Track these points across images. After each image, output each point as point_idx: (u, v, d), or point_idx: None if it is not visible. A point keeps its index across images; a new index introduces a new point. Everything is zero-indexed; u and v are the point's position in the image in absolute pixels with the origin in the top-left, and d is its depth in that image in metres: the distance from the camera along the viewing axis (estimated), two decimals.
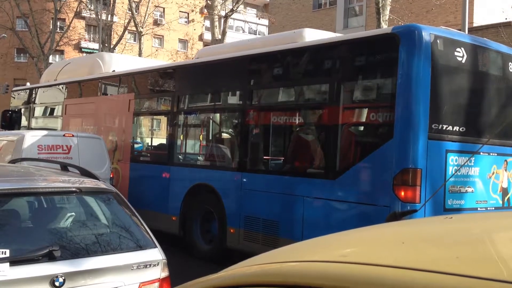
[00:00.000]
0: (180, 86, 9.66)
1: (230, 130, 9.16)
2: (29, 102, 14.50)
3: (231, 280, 1.42)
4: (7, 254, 3.16)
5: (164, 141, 10.09)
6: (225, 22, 19.89)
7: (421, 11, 20.58)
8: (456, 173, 6.07)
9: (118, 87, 11.23)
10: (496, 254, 1.29)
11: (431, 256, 1.29)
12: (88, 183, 4.13)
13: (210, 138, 9.38)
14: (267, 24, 37.70)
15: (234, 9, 20.44)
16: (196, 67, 9.64)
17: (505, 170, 6.80)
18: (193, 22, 42.13)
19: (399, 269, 1.14)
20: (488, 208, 6.58)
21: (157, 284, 3.69)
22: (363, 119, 6.96)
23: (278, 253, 1.61)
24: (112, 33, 30.51)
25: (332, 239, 1.66)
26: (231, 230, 7.90)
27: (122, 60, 12.80)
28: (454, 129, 6.20)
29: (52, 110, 13.77)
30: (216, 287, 1.43)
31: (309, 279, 1.22)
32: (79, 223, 4.17)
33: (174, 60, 33.26)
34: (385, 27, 12.74)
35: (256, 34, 48.41)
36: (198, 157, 9.64)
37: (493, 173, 6.62)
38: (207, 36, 41.51)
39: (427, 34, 6.03)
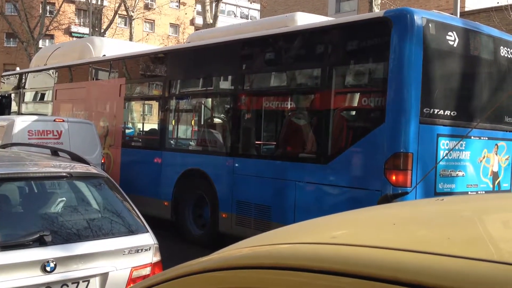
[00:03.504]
0: (172, 71, 9.61)
1: (222, 115, 9.14)
2: (19, 87, 14.38)
3: (222, 263, 1.42)
4: None
5: (155, 126, 10.05)
6: (217, 6, 19.75)
7: None
8: (445, 157, 6.10)
9: (109, 71, 11.15)
10: (486, 235, 1.29)
11: (422, 237, 1.29)
12: (79, 168, 4.11)
13: (202, 123, 9.36)
14: (259, 8, 37.50)
15: None
16: (188, 51, 9.58)
17: (496, 154, 6.84)
18: (184, 5, 41.82)
19: (389, 250, 1.14)
20: (479, 192, 6.63)
21: (149, 268, 3.70)
22: (355, 104, 6.96)
23: (269, 235, 1.61)
24: (103, 18, 30.23)
25: (323, 221, 1.66)
26: (223, 215, 7.92)
27: (113, 45, 12.69)
28: (445, 113, 6.22)
29: (43, 95, 13.66)
30: (207, 269, 1.43)
31: (299, 261, 1.22)
32: (70, 208, 4.16)
33: (166, 45, 33.03)
34: (377, 11, 12.69)
35: (247, 19, 48.15)
36: (190, 142, 9.62)
37: (483, 157, 6.66)
38: (199, 20, 41.22)
39: (419, 18, 6.01)
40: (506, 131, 7.01)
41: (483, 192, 6.66)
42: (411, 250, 1.12)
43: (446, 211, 1.62)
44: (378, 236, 1.34)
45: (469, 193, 6.48)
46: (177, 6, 45.85)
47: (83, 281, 3.43)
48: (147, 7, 38.95)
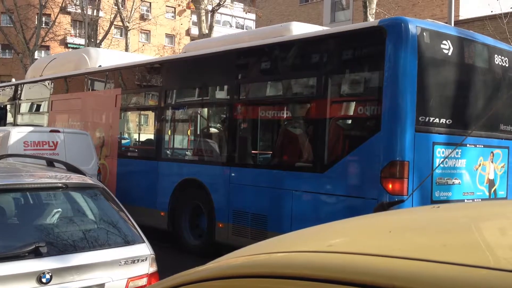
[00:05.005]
0: (167, 81, 9.62)
1: (218, 124, 9.14)
2: (15, 98, 14.36)
3: (218, 272, 1.42)
4: None
5: (151, 136, 10.04)
6: (212, 16, 19.83)
7: (408, 4, 20.66)
8: (440, 165, 6.11)
9: (105, 82, 11.15)
10: (482, 242, 1.29)
11: (418, 245, 1.29)
12: (75, 178, 4.10)
13: (198, 133, 9.35)
14: (254, 18, 37.66)
15: (221, 3, 20.36)
16: (183, 61, 9.59)
17: (491, 162, 6.85)
18: (180, 16, 41.94)
19: (385, 258, 1.14)
20: (475, 200, 6.63)
21: (145, 279, 3.68)
22: (351, 113, 6.97)
23: (265, 244, 1.61)
24: (98, 28, 30.28)
25: (319, 229, 1.66)
26: (220, 225, 7.90)
27: (109, 55, 12.69)
28: (441, 122, 6.24)
29: (38, 106, 13.64)
30: (203, 278, 1.42)
31: (296, 269, 1.22)
32: (66, 219, 4.14)
33: (161, 55, 33.10)
34: (372, 21, 12.75)
35: (243, 29, 48.34)
36: (186, 152, 9.61)
37: (479, 165, 6.67)
38: (194, 30, 41.36)
39: (414, 27, 6.04)
40: (502, 139, 7.03)
41: (480, 199, 6.67)
42: (408, 258, 1.12)
43: (442, 218, 1.62)
44: (374, 244, 1.34)
45: (466, 201, 6.49)
46: (172, 16, 46.00)
47: None
48: (142, 18, 39.02)
